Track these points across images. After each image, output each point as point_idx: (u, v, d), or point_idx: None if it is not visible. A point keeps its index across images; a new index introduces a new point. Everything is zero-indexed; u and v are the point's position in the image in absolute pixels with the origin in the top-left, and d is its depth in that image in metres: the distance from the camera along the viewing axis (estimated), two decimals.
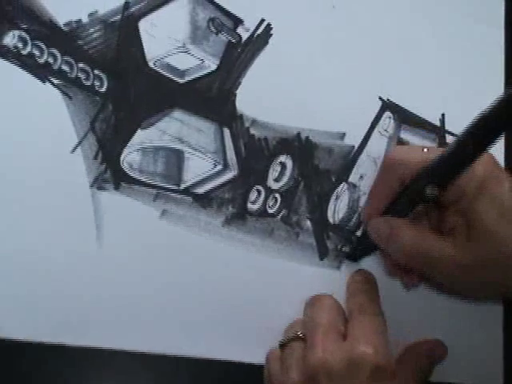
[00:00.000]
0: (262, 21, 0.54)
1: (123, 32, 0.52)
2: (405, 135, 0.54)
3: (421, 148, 0.46)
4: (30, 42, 0.51)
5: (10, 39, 0.51)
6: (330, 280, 0.51)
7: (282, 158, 0.52)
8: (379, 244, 0.47)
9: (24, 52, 0.51)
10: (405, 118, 0.54)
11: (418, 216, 0.47)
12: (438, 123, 0.55)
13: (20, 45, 0.51)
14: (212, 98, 0.52)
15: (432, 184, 0.42)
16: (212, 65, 0.53)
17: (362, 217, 0.51)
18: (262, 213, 0.51)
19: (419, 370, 0.49)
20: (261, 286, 0.51)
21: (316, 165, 0.52)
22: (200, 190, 0.51)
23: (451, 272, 0.44)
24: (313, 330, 0.47)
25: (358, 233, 0.52)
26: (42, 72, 0.51)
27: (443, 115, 0.55)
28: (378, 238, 0.47)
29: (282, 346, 0.48)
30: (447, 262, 0.44)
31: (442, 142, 0.54)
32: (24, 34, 0.51)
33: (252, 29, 0.53)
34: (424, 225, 0.48)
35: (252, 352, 0.49)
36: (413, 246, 0.45)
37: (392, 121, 0.54)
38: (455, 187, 0.43)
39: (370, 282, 0.51)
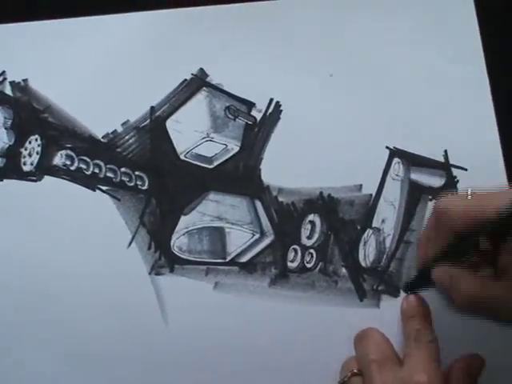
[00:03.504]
0: (271, 100, 0.61)
1: (154, 133, 0.60)
2: (415, 176, 0.60)
3: (465, 195, 0.50)
4: (76, 158, 0.59)
5: (59, 159, 0.59)
6: (372, 318, 0.57)
7: (311, 217, 0.59)
8: (442, 291, 0.52)
9: (72, 168, 0.59)
10: (412, 161, 0.60)
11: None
12: (442, 159, 0.60)
13: (68, 162, 0.59)
14: (240, 176, 0.59)
15: (486, 237, 0.46)
16: (235, 147, 0.60)
17: (416, 263, 0.56)
18: (302, 269, 0.58)
19: None
20: (310, 334, 0.57)
21: (341, 217, 0.59)
22: (244, 259, 0.58)
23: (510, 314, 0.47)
24: (368, 367, 0.52)
25: (392, 267, 0.58)
26: (90, 182, 0.59)
27: (446, 151, 0.60)
28: (441, 287, 0.51)
29: None
30: (506, 307, 0.47)
31: (449, 176, 0.60)
32: (70, 152, 0.59)
33: (264, 109, 0.61)
34: (480, 268, 0.50)
35: None
36: (472, 296, 0.48)
37: (401, 165, 0.60)
38: None
39: (425, 305, 0.55)
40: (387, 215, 0.59)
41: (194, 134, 0.60)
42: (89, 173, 0.59)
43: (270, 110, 0.60)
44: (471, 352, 0.55)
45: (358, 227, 0.59)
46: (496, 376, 0.55)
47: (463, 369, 0.53)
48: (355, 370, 0.53)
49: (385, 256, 0.58)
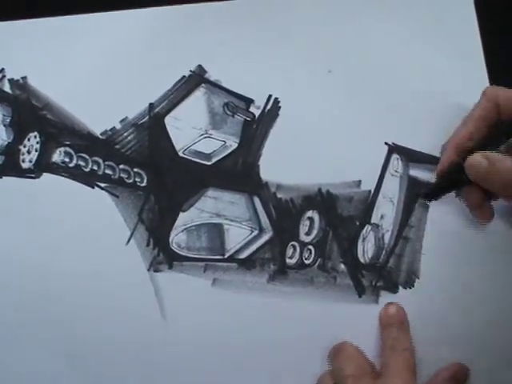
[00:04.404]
0: (270, 96, 0.61)
1: (152, 130, 0.60)
2: (413, 171, 0.60)
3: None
4: (74, 155, 0.59)
5: (58, 156, 0.59)
6: (371, 314, 0.57)
7: (309, 214, 0.59)
8: (476, 179, 0.51)
9: (71, 165, 0.59)
10: (410, 157, 0.60)
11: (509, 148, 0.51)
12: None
13: (67, 159, 0.59)
14: (238, 172, 0.59)
15: None
16: (233, 144, 0.60)
17: (445, 153, 0.56)
18: (300, 265, 0.58)
19: None
20: (309, 330, 0.57)
21: (340, 213, 0.59)
22: (243, 255, 0.58)
23: None
24: (344, 382, 0.52)
25: (391, 262, 0.58)
26: (89, 179, 0.59)
27: (443, 146, 0.60)
28: (477, 172, 0.51)
29: None
30: None
31: None
32: (69, 149, 0.59)
33: (262, 105, 0.61)
34: None
35: None
36: (511, 177, 0.49)
37: (400, 161, 0.60)
38: None
39: (402, 315, 0.56)
40: (386, 211, 0.59)
41: (192, 130, 0.60)
42: (87, 170, 0.59)
43: (269, 107, 0.60)
44: (456, 362, 0.55)
45: (357, 223, 0.59)
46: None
47: (448, 378, 0.53)
48: None
49: (383, 252, 0.58)
